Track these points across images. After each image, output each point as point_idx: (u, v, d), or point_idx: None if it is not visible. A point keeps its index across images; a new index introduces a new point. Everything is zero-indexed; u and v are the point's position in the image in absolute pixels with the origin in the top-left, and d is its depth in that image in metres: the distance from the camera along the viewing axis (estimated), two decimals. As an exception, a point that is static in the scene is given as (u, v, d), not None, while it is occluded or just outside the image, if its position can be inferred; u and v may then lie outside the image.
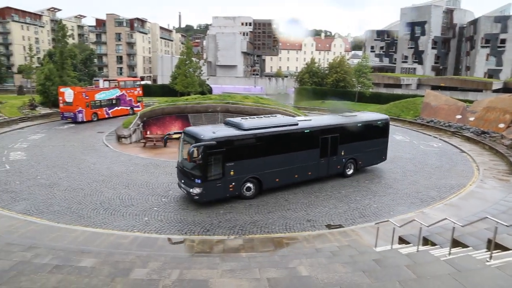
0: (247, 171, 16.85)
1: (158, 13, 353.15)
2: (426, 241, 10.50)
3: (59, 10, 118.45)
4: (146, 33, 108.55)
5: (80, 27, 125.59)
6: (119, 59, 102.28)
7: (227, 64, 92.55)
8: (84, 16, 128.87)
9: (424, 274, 6.20)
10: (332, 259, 9.02)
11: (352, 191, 18.59)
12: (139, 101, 45.51)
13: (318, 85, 64.50)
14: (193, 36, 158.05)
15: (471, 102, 44.13)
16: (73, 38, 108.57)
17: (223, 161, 16.01)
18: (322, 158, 19.50)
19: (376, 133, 21.81)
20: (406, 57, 75.48)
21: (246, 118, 18.55)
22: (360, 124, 20.96)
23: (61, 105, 38.68)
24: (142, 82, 76.75)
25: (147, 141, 28.58)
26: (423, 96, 45.26)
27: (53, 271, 7.21)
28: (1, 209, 15.40)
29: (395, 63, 79.20)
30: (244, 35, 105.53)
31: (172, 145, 26.59)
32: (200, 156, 15.31)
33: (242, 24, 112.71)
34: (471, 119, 35.54)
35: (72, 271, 7.31)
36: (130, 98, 44.37)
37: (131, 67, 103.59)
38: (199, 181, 15.74)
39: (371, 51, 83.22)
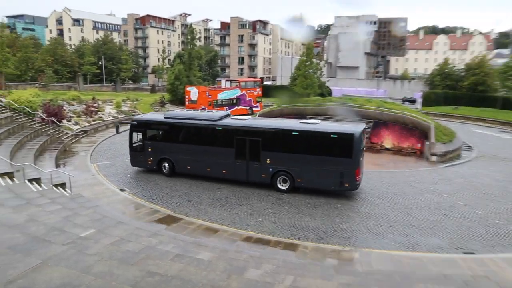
0: (162, 152, 20.73)
1: (279, 14, 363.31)
2: None
3: (189, 15, 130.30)
4: (267, 35, 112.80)
5: (206, 30, 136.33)
6: (241, 60, 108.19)
7: (349, 65, 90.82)
8: (211, 20, 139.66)
9: None
10: (466, 290, 8.01)
11: (491, 213, 16.40)
12: (258, 102, 47.33)
13: (451, 88, 59.03)
14: (313, 36, 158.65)
15: None
16: (200, 41, 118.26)
17: (143, 139, 21.17)
18: (238, 160, 18.99)
19: (330, 149, 17.48)
20: None
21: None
22: (297, 133, 18.00)
23: (186, 103, 42.41)
24: (268, 83, 79.81)
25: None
26: None
27: (175, 259, 7.82)
28: (132, 195, 17.49)
29: (554, 64, 68.06)
30: (368, 34, 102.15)
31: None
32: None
33: (366, 23, 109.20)
34: None
35: (191, 262, 7.82)
36: (249, 98, 46.46)
37: (252, 68, 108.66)
38: (129, 150, 21.52)
39: (522, 50, 73.00)
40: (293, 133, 18.15)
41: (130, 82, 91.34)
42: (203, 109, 40.75)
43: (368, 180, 20.60)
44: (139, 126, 21.30)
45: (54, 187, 15.96)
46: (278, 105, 37.42)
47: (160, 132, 21.17)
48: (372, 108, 30.16)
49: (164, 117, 21.14)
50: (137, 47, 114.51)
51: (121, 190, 18.28)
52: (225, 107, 43.55)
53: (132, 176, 20.85)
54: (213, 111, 22.43)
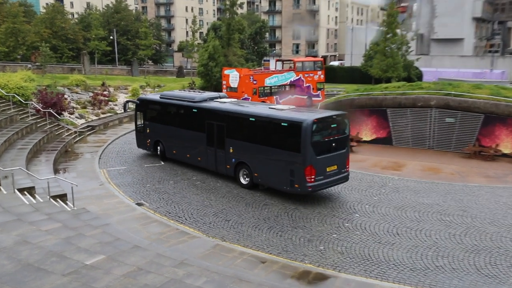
0: (156, 134, 25.76)
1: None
2: None
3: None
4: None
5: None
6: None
7: (448, 37, 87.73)
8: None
9: None
10: None
11: None
12: (319, 89, 47.04)
13: None
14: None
15: None
16: (242, 7, 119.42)
17: (144, 119, 26.54)
18: (209, 146, 22.53)
19: (282, 141, 19.28)
20: None
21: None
22: (253, 119, 20.57)
23: (224, 90, 42.80)
24: (334, 64, 79.12)
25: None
26: None
27: (208, 298, 7.94)
28: (152, 212, 17.96)
29: None
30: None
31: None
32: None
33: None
34: None
35: (229, 302, 7.92)
36: (308, 84, 46.22)
37: (311, 44, 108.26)
38: (134, 130, 27.68)
39: None
40: (250, 119, 20.76)
41: (150, 62, 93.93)
42: (245, 98, 41.17)
43: (475, 199, 20.10)
44: (141, 105, 26.96)
45: (52, 199, 16.68)
46: (347, 93, 37.06)
47: (156, 113, 26.30)
48: (483, 97, 29.05)
49: (160, 97, 26.39)
50: (159, 16, 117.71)
51: (138, 204, 18.85)
52: (274, 97, 43.57)
53: (153, 186, 21.44)
54: (202, 91, 26.92)
